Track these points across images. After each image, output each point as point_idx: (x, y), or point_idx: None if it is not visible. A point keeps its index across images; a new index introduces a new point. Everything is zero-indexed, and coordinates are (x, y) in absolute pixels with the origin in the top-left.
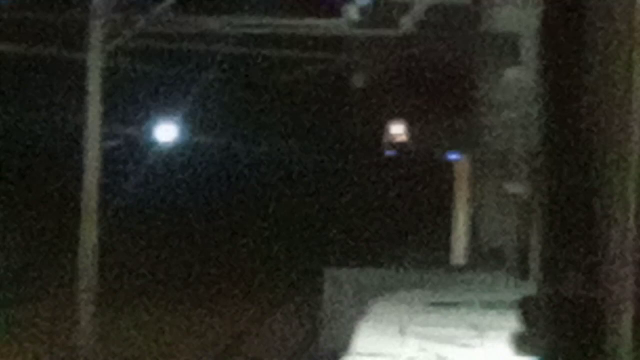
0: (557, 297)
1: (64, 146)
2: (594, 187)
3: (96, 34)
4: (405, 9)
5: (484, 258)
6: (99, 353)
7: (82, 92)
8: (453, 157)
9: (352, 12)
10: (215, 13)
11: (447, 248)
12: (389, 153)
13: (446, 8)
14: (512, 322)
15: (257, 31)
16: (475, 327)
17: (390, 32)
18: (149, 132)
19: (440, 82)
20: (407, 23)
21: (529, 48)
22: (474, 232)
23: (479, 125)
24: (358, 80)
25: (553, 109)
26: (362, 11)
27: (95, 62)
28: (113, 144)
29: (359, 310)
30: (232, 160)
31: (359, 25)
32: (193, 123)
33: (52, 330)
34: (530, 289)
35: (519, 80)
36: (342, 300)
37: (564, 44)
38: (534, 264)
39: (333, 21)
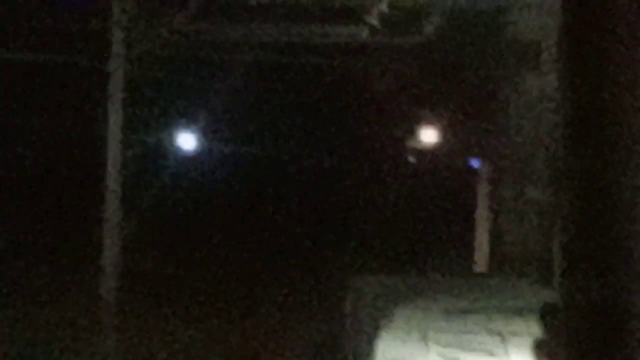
0: (579, 303)
1: (87, 154)
2: (616, 191)
3: (117, 41)
4: (427, 15)
5: (506, 264)
6: None
7: (105, 100)
8: (475, 163)
9: (373, 19)
10: (236, 21)
11: (469, 255)
12: (412, 159)
13: (468, 14)
14: (534, 329)
15: (277, 39)
16: (497, 333)
17: (411, 39)
18: (171, 139)
19: (461, 88)
20: (428, 29)
21: (550, 53)
22: (496, 238)
23: (501, 131)
24: (381, 87)
25: (574, 113)
26: (383, 18)
27: (116, 70)
28: (135, 151)
29: (380, 317)
30: (253, 167)
31: (380, 31)
32: (215, 130)
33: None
34: (552, 295)
35: (539, 85)
36: (364, 307)
37: (585, 47)
38: (556, 270)
39: (354, 28)
